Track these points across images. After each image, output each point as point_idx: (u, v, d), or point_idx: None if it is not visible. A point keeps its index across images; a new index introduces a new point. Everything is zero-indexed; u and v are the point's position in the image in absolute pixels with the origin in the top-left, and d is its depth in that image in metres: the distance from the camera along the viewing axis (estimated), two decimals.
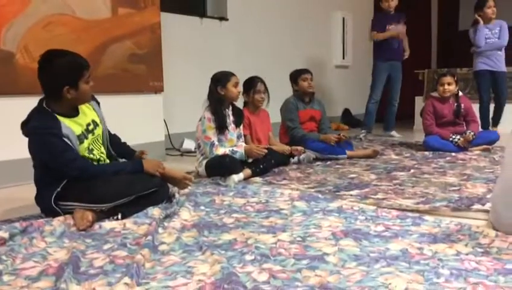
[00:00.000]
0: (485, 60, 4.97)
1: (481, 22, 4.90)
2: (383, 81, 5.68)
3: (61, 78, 2.11)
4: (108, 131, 2.52)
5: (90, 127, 2.32)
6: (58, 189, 2.15)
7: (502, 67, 4.96)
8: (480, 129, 4.50)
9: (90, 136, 2.29)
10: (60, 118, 2.15)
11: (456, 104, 4.32)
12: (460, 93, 4.41)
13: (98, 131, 2.37)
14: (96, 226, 2.10)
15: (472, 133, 4.19)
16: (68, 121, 2.18)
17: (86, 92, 2.21)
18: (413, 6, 8.42)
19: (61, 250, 1.84)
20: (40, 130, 2.09)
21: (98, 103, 2.47)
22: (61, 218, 2.13)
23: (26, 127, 2.16)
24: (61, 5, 3.48)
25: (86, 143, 2.26)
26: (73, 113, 2.25)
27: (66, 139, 2.12)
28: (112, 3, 3.81)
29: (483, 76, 5.02)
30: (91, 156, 2.30)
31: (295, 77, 4.19)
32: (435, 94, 4.45)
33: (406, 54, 5.79)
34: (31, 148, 2.16)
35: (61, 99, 2.16)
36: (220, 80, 3.30)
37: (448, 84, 4.27)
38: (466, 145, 4.18)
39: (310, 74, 4.19)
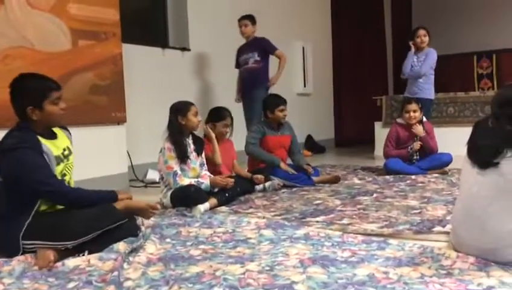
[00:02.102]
0: (409, 87, 5.16)
1: (412, 49, 5.11)
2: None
3: (25, 99, 2.15)
4: None
5: (66, 153, 2.31)
6: (29, 220, 2.09)
7: (425, 94, 5.06)
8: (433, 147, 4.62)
9: (65, 160, 2.29)
10: (39, 138, 2.16)
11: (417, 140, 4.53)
12: (424, 119, 4.61)
13: (71, 159, 2.36)
14: (59, 263, 2.02)
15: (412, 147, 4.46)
16: (46, 141, 2.20)
17: (53, 113, 2.20)
18: (368, 34, 8.78)
19: None
20: (19, 144, 2.08)
21: (70, 134, 2.47)
22: (21, 257, 2.05)
23: (1, 146, 2.12)
24: (19, 38, 3.44)
25: (61, 166, 2.25)
26: (50, 136, 2.26)
27: (45, 156, 2.13)
28: (72, 35, 3.79)
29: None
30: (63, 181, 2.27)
31: (272, 105, 4.11)
32: (400, 120, 4.62)
33: (270, 84, 5.09)
34: (4, 167, 2.11)
35: (30, 121, 2.17)
36: (180, 109, 3.31)
37: (414, 111, 4.46)
38: (417, 132, 4.41)
39: (286, 104, 4.17)
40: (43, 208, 2.18)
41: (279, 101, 4.15)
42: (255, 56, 5.10)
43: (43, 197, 2.14)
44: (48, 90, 2.19)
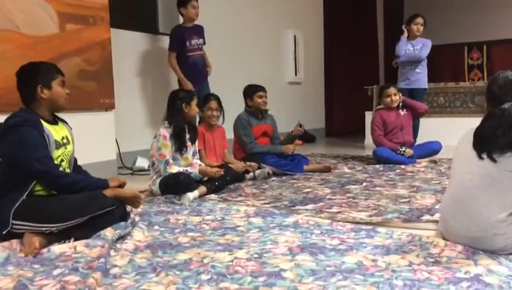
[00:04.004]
0: (404, 78, 5.14)
1: (405, 33, 5.06)
2: None
3: (35, 78, 2.26)
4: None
5: (64, 141, 2.36)
6: (23, 198, 2.10)
7: (421, 84, 5.12)
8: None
9: (63, 148, 2.34)
10: (42, 121, 2.23)
11: (401, 110, 4.60)
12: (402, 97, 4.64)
13: (69, 148, 2.41)
14: (45, 250, 2.00)
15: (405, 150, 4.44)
16: (48, 125, 2.26)
17: (60, 95, 2.30)
18: (360, 23, 8.75)
19: (5, 278, 1.74)
20: (21, 122, 2.14)
21: (71, 129, 2.50)
22: (5, 243, 2.02)
23: (3, 125, 2.17)
24: (4, 21, 3.35)
25: (60, 151, 2.30)
26: (52, 121, 2.33)
27: (46, 137, 2.18)
28: (60, 19, 3.71)
29: (402, 93, 5.07)
30: (60, 167, 2.29)
31: (250, 93, 4.17)
32: (380, 106, 4.69)
33: (209, 71, 4.95)
34: (5, 143, 2.15)
35: (38, 102, 2.25)
36: (186, 97, 3.31)
37: (395, 94, 4.55)
38: (410, 155, 4.42)
39: (265, 91, 4.18)
40: (38, 189, 2.19)
41: (256, 88, 4.17)
42: (202, 43, 4.81)
43: (36, 177, 2.15)
44: (55, 72, 2.32)
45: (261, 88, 4.19)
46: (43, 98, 2.25)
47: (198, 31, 4.80)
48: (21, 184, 2.13)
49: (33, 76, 2.26)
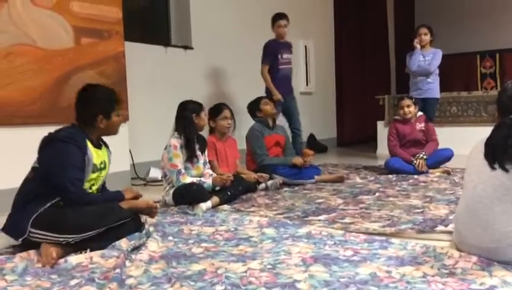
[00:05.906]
0: (415, 88, 5.12)
1: (418, 47, 5.08)
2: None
3: (97, 107, 2.30)
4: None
5: (101, 166, 2.40)
6: (45, 207, 2.13)
7: (433, 93, 5.09)
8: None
9: (98, 172, 2.37)
10: (88, 143, 2.28)
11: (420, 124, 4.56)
12: (420, 113, 4.61)
13: (104, 173, 2.44)
14: (62, 260, 2.03)
15: (422, 155, 4.38)
16: (92, 148, 2.31)
17: (115, 124, 2.38)
18: (370, 33, 8.76)
19: (23, 288, 1.77)
20: (68, 139, 2.20)
21: (110, 153, 2.53)
22: (23, 254, 2.06)
23: (51, 135, 2.22)
24: (21, 35, 3.43)
25: (95, 175, 2.33)
26: (97, 144, 2.38)
27: (86, 159, 2.23)
28: (75, 33, 3.78)
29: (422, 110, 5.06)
30: (89, 189, 2.33)
31: (256, 104, 4.23)
32: (397, 117, 4.68)
33: None
34: (46, 154, 2.21)
35: (93, 128, 2.32)
36: (195, 108, 3.36)
37: (408, 106, 4.52)
38: (424, 169, 4.36)
39: (266, 98, 4.31)
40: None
41: (258, 98, 4.30)
42: (291, 58, 5.21)
43: (61, 193, 2.17)
44: (115, 102, 2.36)
45: (262, 97, 4.32)
46: (101, 127, 2.31)
47: (289, 46, 5.18)
48: (47, 194, 2.17)
49: (95, 104, 2.30)
